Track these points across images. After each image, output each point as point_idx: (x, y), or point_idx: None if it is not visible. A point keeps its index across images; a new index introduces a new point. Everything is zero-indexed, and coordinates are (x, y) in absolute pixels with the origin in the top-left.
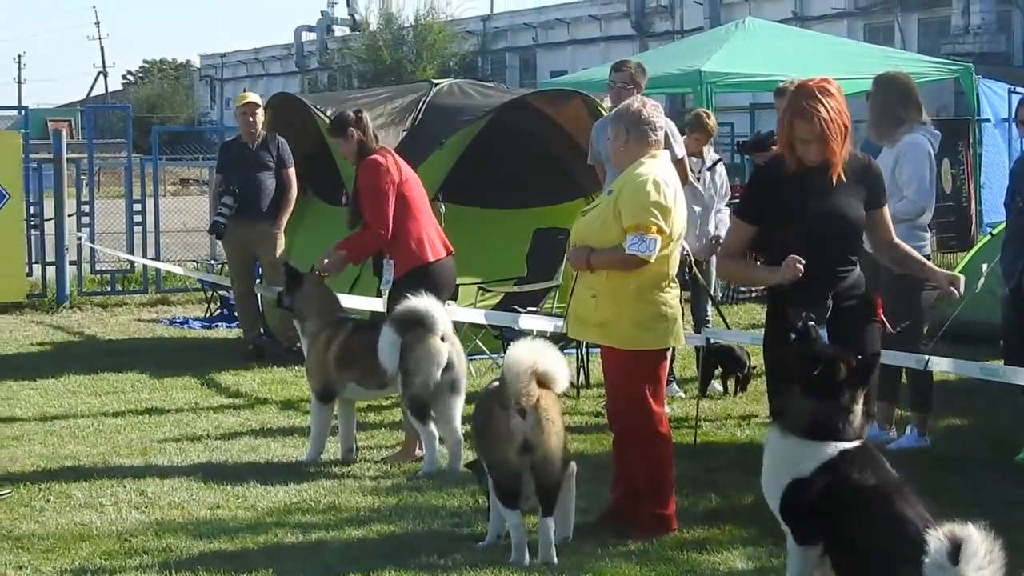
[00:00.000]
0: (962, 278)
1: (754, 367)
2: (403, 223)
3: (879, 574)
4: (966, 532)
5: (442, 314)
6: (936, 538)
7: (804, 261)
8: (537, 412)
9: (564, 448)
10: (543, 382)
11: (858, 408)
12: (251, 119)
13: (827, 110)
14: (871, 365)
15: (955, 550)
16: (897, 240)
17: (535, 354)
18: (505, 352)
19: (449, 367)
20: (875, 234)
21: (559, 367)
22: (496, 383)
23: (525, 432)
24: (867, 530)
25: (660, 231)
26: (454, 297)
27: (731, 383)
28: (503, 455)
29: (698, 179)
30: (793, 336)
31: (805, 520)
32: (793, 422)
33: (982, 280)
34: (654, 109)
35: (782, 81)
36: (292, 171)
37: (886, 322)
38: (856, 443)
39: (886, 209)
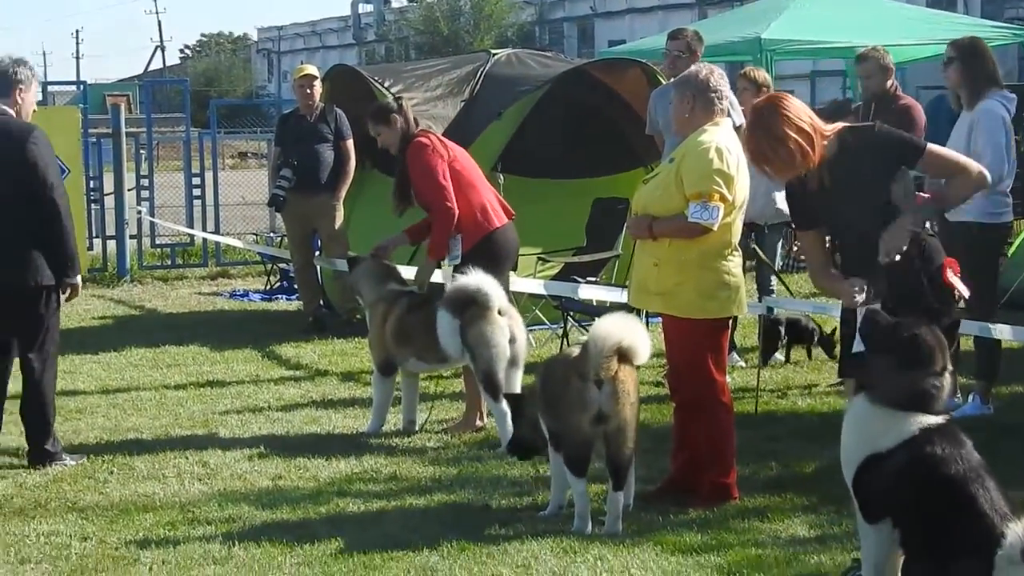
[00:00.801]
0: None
1: (830, 331)
2: (462, 196)
3: (948, 561)
4: None
5: (495, 288)
6: (1016, 532)
7: (863, 286)
8: (614, 384)
9: (636, 421)
10: (624, 356)
11: (948, 378)
12: (309, 91)
13: (755, 139)
14: (949, 335)
15: None
16: (966, 162)
17: (621, 330)
18: (566, 327)
19: (511, 340)
20: (941, 175)
21: (643, 342)
22: (568, 352)
23: (600, 403)
24: (940, 515)
25: (723, 199)
26: (514, 268)
27: (794, 353)
28: (577, 424)
29: None
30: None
31: (876, 498)
32: (880, 392)
33: None
34: (720, 78)
35: (842, 48)
36: (350, 143)
37: (961, 287)
38: (940, 419)
39: (929, 151)
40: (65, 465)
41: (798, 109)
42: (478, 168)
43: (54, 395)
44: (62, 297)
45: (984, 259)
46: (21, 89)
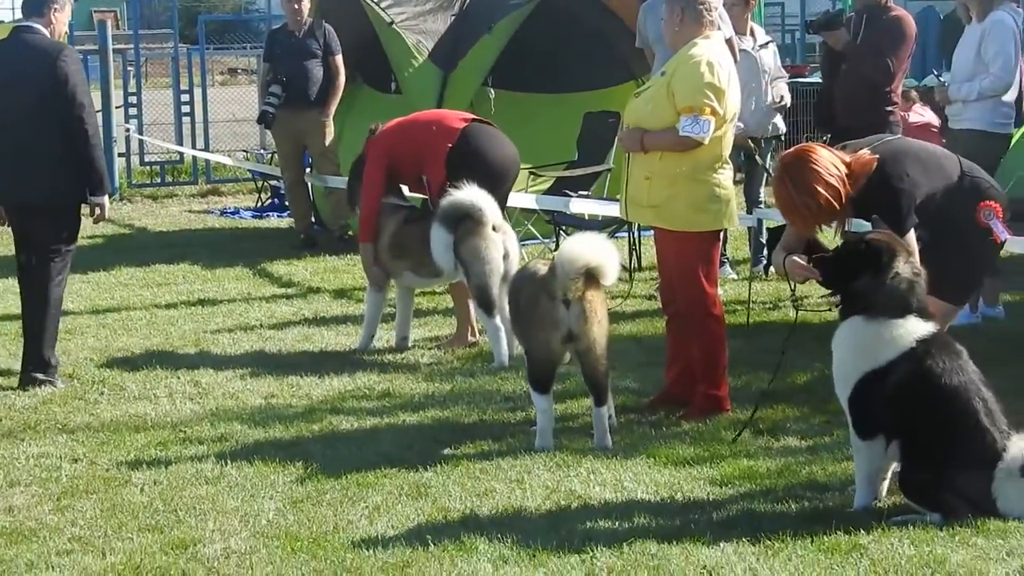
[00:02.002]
0: None
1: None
2: (417, 131)
3: (947, 472)
4: None
5: (490, 203)
6: (1019, 447)
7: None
8: (582, 304)
9: (606, 338)
10: (592, 275)
11: (916, 261)
12: (297, 7)
13: (785, 191)
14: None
15: None
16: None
17: (588, 251)
18: (558, 241)
19: (504, 256)
20: None
21: (610, 262)
22: (533, 266)
23: (570, 323)
24: (941, 427)
25: (714, 112)
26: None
27: None
28: (546, 341)
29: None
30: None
31: (874, 414)
32: (871, 308)
33: None
34: None
35: None
36: (340, 58)
37: (999, 230)
38: (933, 327)
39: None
40: (55, 387)
41: (826, 161)
42: (421, 115)
43: (59, 313)
44: (88, 219)
45: (983, 167)
46: (55, 9)
